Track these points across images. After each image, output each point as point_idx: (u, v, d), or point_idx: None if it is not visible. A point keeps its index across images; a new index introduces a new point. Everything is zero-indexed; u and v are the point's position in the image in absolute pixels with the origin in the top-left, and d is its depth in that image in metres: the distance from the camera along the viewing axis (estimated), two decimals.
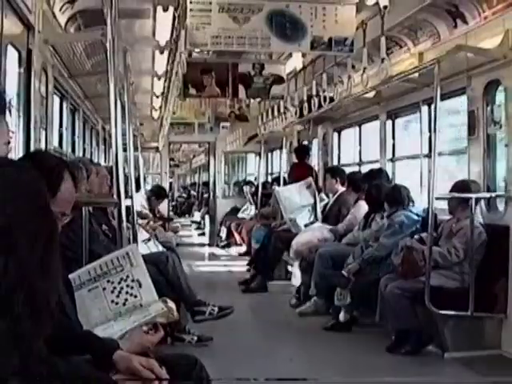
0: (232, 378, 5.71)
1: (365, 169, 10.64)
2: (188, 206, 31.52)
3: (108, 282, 3.37)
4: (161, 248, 8.02)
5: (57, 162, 2.85)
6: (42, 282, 1.87)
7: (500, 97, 7.02)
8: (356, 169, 11.53)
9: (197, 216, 25.85)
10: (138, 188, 10.75)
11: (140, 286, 3.36)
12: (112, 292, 3.36)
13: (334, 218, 9.93)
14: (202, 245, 19.23)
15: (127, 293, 3.35)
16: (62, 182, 2.71)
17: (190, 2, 7.26)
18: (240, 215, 17.46)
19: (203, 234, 21.61)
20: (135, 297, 3.35)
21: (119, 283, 3.37)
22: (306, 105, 10.43)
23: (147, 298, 3.36)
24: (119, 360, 2.72)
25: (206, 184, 22.76)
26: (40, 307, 1.86)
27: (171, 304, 3.46)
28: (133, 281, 3.36)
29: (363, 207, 9.00)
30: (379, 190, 8.22)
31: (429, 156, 8.16)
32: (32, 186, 1.91)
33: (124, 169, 5.51)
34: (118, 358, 2.73)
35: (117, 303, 3.35)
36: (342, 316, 7.85)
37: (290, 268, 10.88)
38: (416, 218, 7.56)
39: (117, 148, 4.61)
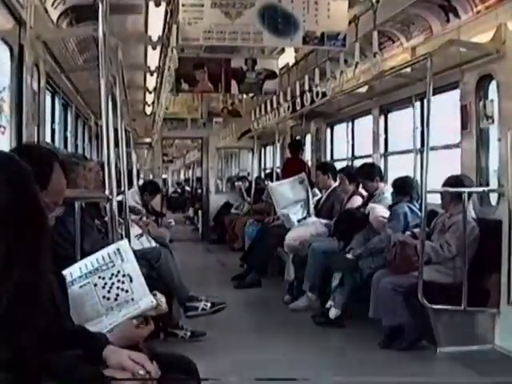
0: (222, 372, 5.72)
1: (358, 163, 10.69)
2: (182, 201, 31.49)
3: (99, 277, 3.37)
4: (153, 243, 8.01)
5: (45, 152, 2.84)
6: (32, 276, 1.86)
7: (492, 91, 7.02)
8: (349, 163, 11.63)
9: (191, 211, 25.85)
10: (130, 184, 10.75)
11: (131, 280, 3.35)
12: (103, 288, 3.35)
13: (326, 213, 9.94)
14: (196, 240, 19.24)
15: (118, 288, 3.34)
16: (52, 173, 2.70)
17: None
18: (233, 211, 17.45)
19: (196, 229, 21.62)
20: (126, 292, 3.34)
21: (110, 279, 3.36)
22: (298, 100, 10.41)
23: (138, 293, 3.35)
24: (110, 354, 2.70)
25: (200, 179, 22.76)
26: (30, 301, 1.85)
27: (160, 296, 3.45)
28: (124, 276, 3.36)
29: (358, 201, 9.04)
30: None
31: (421, 150, 8.18)
32: (17, 176, 1.90)
33: (116, 164, 5.50)
34: (109, 352, 2.72)
35: (108, 298, 3.34)
36: (332, 313, 7.84)
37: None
38: (419, 212, 7.54)
39: (108, 143, 4.60)
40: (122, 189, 6.30)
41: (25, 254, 1.83)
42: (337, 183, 10.00)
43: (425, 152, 6.70)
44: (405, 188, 7.82)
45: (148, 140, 19.99)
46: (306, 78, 9.96)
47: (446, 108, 8.16)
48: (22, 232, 1.83)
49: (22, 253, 1.82)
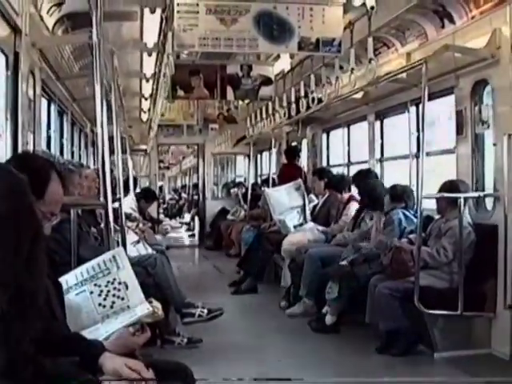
0: (219, 378, 5.73)
1: (354, 169, 10.70)
2: (179, 208, 31.44)
3: (95, 285, 3.37)
4: (150, 250, 8.01)
5: (43, 162, 2.83)
6: (28, 282, 1.87)
7: (488, 96, 7.03)
8: (345, 169, 11.64)
9: (187, 218, 25.81)
10: (127, 191, 10.75)
11: (127, 288, 3.35)
12: (99, 295, 3.35)
13: (323, 219, 9.95)
14: (192, 246, 19.22)
15: (114, 295, 3.34)
16: (49, 182, 2.69)
17: (178, 4, 7.25)
18: (229, 217, 17.44)
19: (193, 235, 21.60)
20: (122, 299, 3.35)
21: (106, 286, 3.36)
22: (294, 106, 10.42)
23: (134, 300, 3.35)
24: (106, 361, 2.70)
25: (197, 186, 22.76)
26: (26, 307, 1.86)
27: (156, 303, 3.45)
28: (120, 283, 3.36)
29: (355, 208, 9.03)
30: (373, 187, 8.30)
31: (417, 156, 8.20)
32: (15, 187, 1.90)
33: (112, 171, 5.49)
34: (105, 359, 2.72)
35: (104, 306, 3.34)
36: (328, 320, 7.83)
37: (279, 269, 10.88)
38: (414, 219, 7.53)
39: (103, 150, 4.59)
40: (118, 196, 6.30)
41: (22, 265, 1.84)
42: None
43: (420, 157, 6.72)
44: (401, 195, 7.82)
45: (144, 147, 19.96)
46: (302, 84, 9.98)
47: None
48: (18, 242, 1.84)
49: (17, 262, 1.82)
